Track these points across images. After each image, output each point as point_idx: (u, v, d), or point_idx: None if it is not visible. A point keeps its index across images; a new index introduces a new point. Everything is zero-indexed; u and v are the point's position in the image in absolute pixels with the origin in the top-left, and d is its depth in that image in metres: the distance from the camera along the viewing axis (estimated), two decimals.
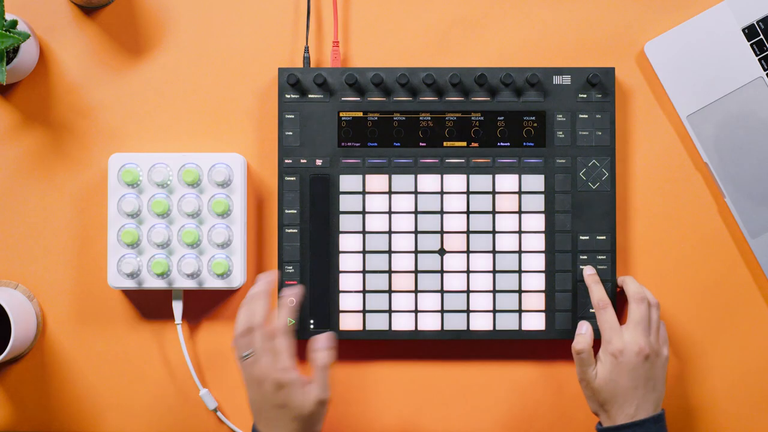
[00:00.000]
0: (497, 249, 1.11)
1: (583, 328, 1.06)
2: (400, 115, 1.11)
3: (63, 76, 1.14)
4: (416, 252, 1.11)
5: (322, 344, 1.02)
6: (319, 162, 1.11)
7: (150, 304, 1.13)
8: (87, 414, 1.13)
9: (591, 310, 1.10)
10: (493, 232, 1.11)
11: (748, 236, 1.12)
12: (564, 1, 1.14)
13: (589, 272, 1.09)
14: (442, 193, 1.11)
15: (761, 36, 1.12)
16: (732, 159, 1.12)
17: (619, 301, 1.12)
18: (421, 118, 1.11)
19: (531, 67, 1.11)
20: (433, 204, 1.11)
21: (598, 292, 1.07)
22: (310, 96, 1.11)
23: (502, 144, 1.11)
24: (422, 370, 1.14)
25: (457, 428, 1.13)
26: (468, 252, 1.11)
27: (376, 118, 1.11)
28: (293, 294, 1.08)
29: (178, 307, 1.11)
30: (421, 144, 1.11)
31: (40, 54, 1.14)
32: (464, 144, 1.11)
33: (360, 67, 1.11)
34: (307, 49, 1.12)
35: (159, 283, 1.10)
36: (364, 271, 1.11)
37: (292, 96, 1.11)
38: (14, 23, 1.07)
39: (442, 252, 1.11)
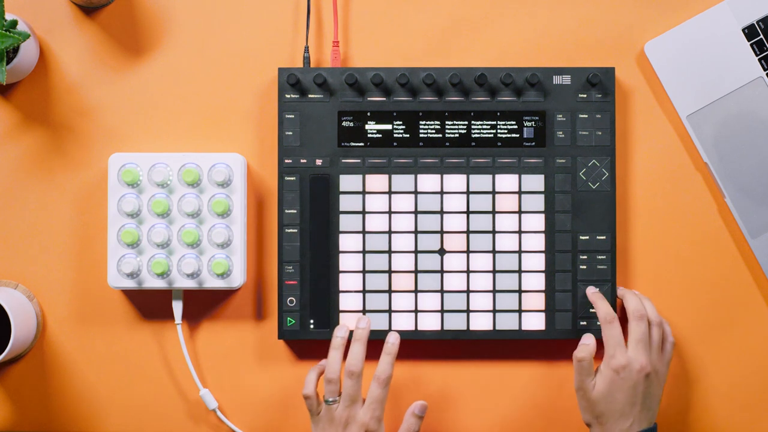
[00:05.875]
0: (497, 249, 1.11)
1: (588, 340, 1.06)
2: (400, 115, 1.11)
3: (63, 76, 1.14)
4: (416, 252, 1.11)
5: (419, 411, 1.05)
6: (319, 162, 1.11)
7: (150, 304, 1.13)
8: (87, 414, 1.14)
9: (591, 310, 1.10)
10: (493, 232, 1.11)
11: (748, 236, 1.12)
12: (564, 1, 1.14)
13: (592, 291, 1.09)
14: (442, 193, 1.11)
15: (761, 36, 1.12)
16: (732, 159, 1.12)
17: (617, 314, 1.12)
18: (421, 118, 1.11)
19: (531, 67, 1.11)
20: (433, 204, 1.11)
21: (604, 307, 1.06)
22: (310, 96, 1.11)
23: (502, 144, 1.11)
24: (422, 370, 1.14)
25: (457, 428, 1.13)
26: (468, 252, 1.11)
27: (376, 118, 1.11)
28: (396, 338, 1.07)
29: (178, 307, 1.11)
30: (421, 144, 1.11)
31: (40, 54, 1.14)
32: (464, 144, 1.11)
33: (360, 67, 1.11)
34: (307, 49, 1.12)
35: (159, 283, 1.10)
36: (364, 271, 1.11)
37: (292, 96, 1.11)
38: (14, 23, 1.07)
39: (442, 252, 1.11)
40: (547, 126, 1.11)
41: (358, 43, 1.14)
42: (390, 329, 1.10)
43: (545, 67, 1.11)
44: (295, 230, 1.11)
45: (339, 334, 1.06)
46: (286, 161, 1.11)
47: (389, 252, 1.11)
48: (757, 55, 1.12)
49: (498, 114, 1.11)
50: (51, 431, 1.14)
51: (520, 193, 1.11)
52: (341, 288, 1.11)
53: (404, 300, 1.11)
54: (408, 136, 1.11)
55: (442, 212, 1.11)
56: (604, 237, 1.11)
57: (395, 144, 1.11)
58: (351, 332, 1.09)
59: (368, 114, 1.11)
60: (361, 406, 1.03)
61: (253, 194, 1.14)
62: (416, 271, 1.11)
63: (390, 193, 1.11)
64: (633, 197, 1.13)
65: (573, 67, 1.11)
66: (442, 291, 1.11)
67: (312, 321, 1.11)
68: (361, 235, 1.11)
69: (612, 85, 1.11)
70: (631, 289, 1.13)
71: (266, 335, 1.13)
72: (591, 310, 1.10)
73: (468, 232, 1.11)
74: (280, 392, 1.13)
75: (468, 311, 1.11)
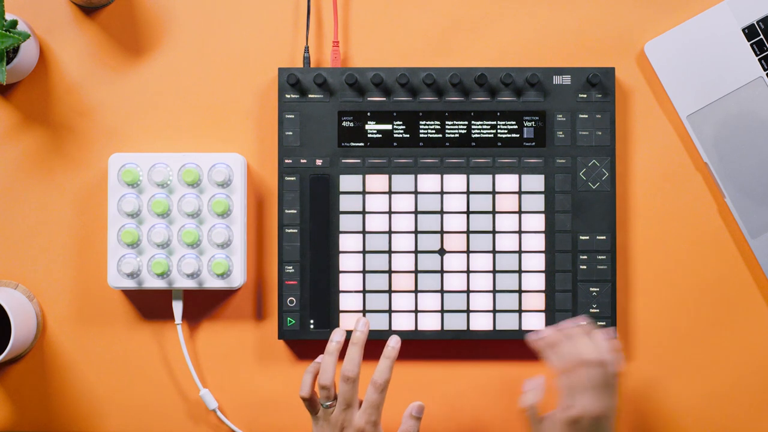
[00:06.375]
0: (497, 249, 1.11)
1: (533, 384, 1.02)
2: (400, 115, 1.11)
3: (63, 76, 1.14)
4: (416, 252, 1.11)
5: (417, 412, 1.04)
6: (319, 162, 1.11)
7: (150, 304, 1.13)
8: (87, 414, 1.14)
9: (591, 310, 1.10)
10: (493, 232, 1.11)
11: (748, 236, 1.12)
12: (564, 1, 1.14)
13: (536, 336, 1.03)
14: (442, 193, 1.11)
15: (761, 36, 1.12)
16: (732, 159, 1.12)
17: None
18: (421, 118, 1.11)
19: (531, 67, 1.11)
20: (433, 204, 1.11)
21: (564, 354, 1.01)
22: (310, 96, 1.11)
23: (502, 144, 1.11)
24: (422, 370, 1.14)
25: (457, 428, 1.13)
26: (468, 252, 1.11)
27: (376, 118, 1.11)
28: (397, 342, 1.04)
29: (178, 307, 1.11)
30: (421, 144, 1.11)
31: (40, 54, 1.14)
32: (464, 144, 1.11)
33: (360, 67, 1.11)
34: (307, 49, 1.12)
35: (159, 283, 1.10)
36: (364, 271, 1.11)
37: (292, 96, 1.11)
38: (14, 23, 1.07)
39: (442, 252, 1.11)
40: (547, 126, 1.11)
41: (358, 43, 1.14)
42: (390, 329, 1.10)
43: (545, 67, 1.11)
44: (295, 230, 1.11)
45: (335, 339, 1.04)
46: (286, 161, 1.11)
47: (389, 252, 1.11)
48: (757, 55, 1.12)
49: (498, 114, 1.11)
50: (51, 431, 1.14)
51: (520, 193, 1.11)
52: (341, 288, 1.11)
53: (404, 300, 1.11)
54: (408, 136, 1.11)
55: (442, 212, 1.11)
56: (604, 237, 1.11)
57: (395, 144, 1.11)
58: (349, 333, 1.08)
59: (368, 114, 1.11)
60: (357, 409, 1.02)
61: (253, 194, 1.14)
62: (416, 271, 1.11)
63: (390, 193, 1.11)
64: (633, 197, 1.13)
65: (573, 67, 1.11)
66: (442, 291, 1.11)
67: (312, 321, 1.11)
68: (361, 235, 1.11)
69: (612, 85, 1.11)
70: (633, 287, 1.13)
71: (266, 335, 1.13)
72: (591, 311, 1.10)
73: (468, 232, 1.11)
74: (280, 392, 1.13)
75: (468, 311, 1.11)
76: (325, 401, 1.02)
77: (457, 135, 1.11)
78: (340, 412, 1.01)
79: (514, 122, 1.11)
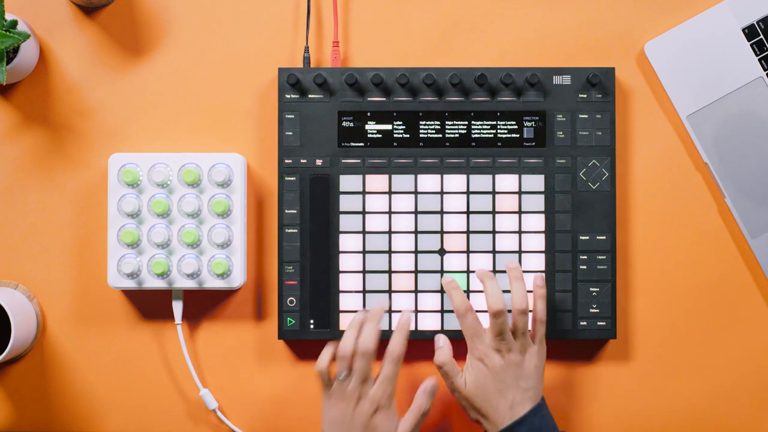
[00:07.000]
0: (497, 249, 1.11)
1: (441, 341, 1.06)
2: (400, 115, 1.11)
3: (63, 76, 1.14)
4: (416, 252, 1.11)
5: (430, 390, 1.05)
6: (319, 162, 1.11)
7: (150, 304, 1.13)
8: (87, 414, 1.14)
9: (590, 311, 1.10)
10: (493, 232, 1.11)
11: (748, 236, 1.12)
12: (564, 1, 1.14)
13: (447, 280, 1.07)
14: (442, 193, 1.11)
15: (761, 36, 1.12)
16: (732, 159, 1.12)
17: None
18: (421, 118, 1.11)
19: (531, 67, 1.11)
20: (433, 204, 1.11)
21: (458, 298, 1.05)
22: (310, 96, 1.11)
23: (502, 144, 1.11)
24: (422, 370, 1.14)
25: (457, 428, 1.14)
26: (468, 252, 1.11)
27: (376, 119, 1.11)
28: (409, 316, 1.07)
29: (178, 307, 1.11)
30: (421, 144, 1.11)
31: (40, 54, 1.14)
32: (464, 144, 1.11)
33: (360, 67, 1.11)
34: (307, 49, 1.12)
35: (159, 283, 1.10)
36: (364, 271, 1.11)
37: (292, 96, 1.11)
38: (14, 23, 1.07)
39: (442, 252, 1.11)
40: (547, 126, 1.11)
41: (358, 43, 1.14)
42: (390, 330, 1.10)
43: (545, 67, 1.11)
44: (295, 230, 1.11)
45: (358, 317, 1.06)
46: (286, 161, 1.11)
47: (389, 252, 1.11)
48: (757, 55, 1.12)
49: (498, 114, 1.11)
50: (51, 431, 1.14)
51: (520, 193, 1.11)
52: (341, 288, 1.11)
53: (404, 300, 1.11)
54: (408, 136, 1.11)
55: (442, 212, 1.11)
56: (604, 237, 1.11)
57: (395, 144, 1.11)
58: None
59: (368, 114, 1.11)
60: (372, 383, 1.04)
61: (253, 194, 1.14)
62: (416, 272, 1.11)
63: (390, 193, 1.11)
64: (633, 197, 1.13)
65: (573, 67, 1.11)
66: (442, 291, 1.11)
67: (312, 321, 1.11)
68: (361, 236, 1.11)
69: (612, 85, 1.11)
70: (633, 287, 1.13)
71: (266, 335, 1.13)
72: (591, 311, 1.10)
73: (468, 232, 1.11)
74: (280, 392, 1.13)
75: None
76: (341, 372, 1.03)
77: (457, 135, 1.11)
78: (357, 386, 1.03)
79: (514, 122, 1.11)
